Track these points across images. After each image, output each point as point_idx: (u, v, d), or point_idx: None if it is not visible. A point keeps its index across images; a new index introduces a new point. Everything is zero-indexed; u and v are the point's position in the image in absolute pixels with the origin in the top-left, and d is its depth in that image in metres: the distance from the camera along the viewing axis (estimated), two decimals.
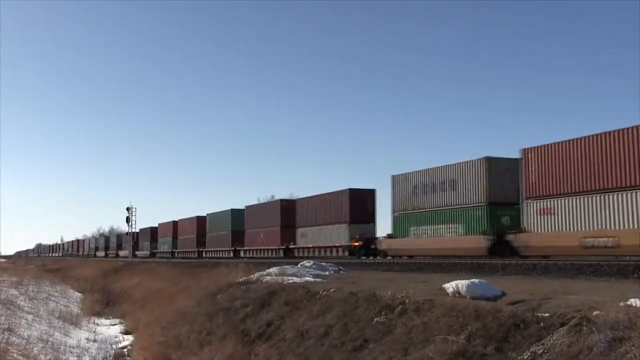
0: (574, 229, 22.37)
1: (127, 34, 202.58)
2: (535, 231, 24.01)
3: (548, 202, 23.60)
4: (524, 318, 8.22)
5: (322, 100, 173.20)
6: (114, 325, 25.19)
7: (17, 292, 28.09)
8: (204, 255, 58.43)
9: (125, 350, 18.94)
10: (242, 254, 49.38)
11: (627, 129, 20.91)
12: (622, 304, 7.69)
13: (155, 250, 76.33)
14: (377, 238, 35.21)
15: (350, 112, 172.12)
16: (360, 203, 37.72)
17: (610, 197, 21.28)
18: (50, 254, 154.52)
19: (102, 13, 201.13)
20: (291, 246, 43.62)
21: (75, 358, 16.93)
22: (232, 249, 52.45)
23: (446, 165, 29.53)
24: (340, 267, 21.02)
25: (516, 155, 25.93)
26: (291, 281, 17.08)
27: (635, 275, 13.57)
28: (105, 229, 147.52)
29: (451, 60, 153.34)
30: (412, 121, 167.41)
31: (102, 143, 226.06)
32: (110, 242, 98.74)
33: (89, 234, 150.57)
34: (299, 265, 20.48)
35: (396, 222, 32.51)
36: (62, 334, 20.43)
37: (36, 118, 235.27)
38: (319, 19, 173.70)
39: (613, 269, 14.68)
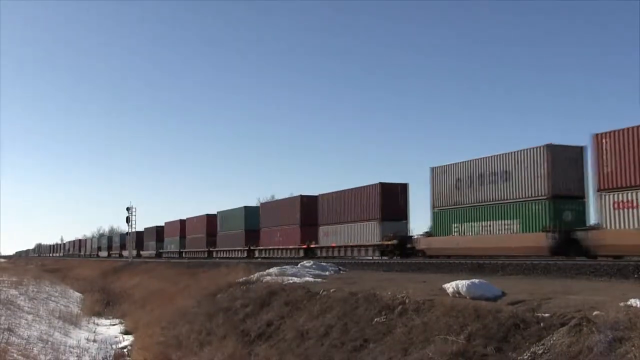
0: None
1: (127, 34, 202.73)
2: (611, 228, 20.88)
3: (627, 195, 20.50)
4: (524, 318, 8.23)
5: (322, 100, 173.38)
6: (114, 325, 25.18)
7: (17, 292, 28.09)
8: (214, 255, 55.32)
9: (125, 350, 18.94)
10: (256, 254, 47.29)
11: None
12: (622, 304, 7.69)
13: (161, 250, 73.96)
14: (412, 236, 32.47)
15: (351, 112, 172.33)
16: (392, 198, 34.47)
17: None
18: (50, 254, 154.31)
19: (102, 13, 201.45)
20: (312, 245, 40.37)
21: (75, 358, 16.93)
22: (246, 248, 49.69)
23: (497, 155, 26.51)
24: (340, 267, 21.08)
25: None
26: (291, 281, 17.09)
27: (636, 276, 13.60)
28: (106, 229, 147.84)
29: (451, 60, 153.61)
30: (412, 121, 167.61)
31: (102, 143, 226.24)
32: (113, 242, 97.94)
33: (89, 234, 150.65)
34: (299, 265, 20.52)
35: (436, 218, 29.52)
36: (62, 334, 20.42)
37: (36, 118, 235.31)
38: (318, 19, 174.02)
39: (613, 269, 14.70)
